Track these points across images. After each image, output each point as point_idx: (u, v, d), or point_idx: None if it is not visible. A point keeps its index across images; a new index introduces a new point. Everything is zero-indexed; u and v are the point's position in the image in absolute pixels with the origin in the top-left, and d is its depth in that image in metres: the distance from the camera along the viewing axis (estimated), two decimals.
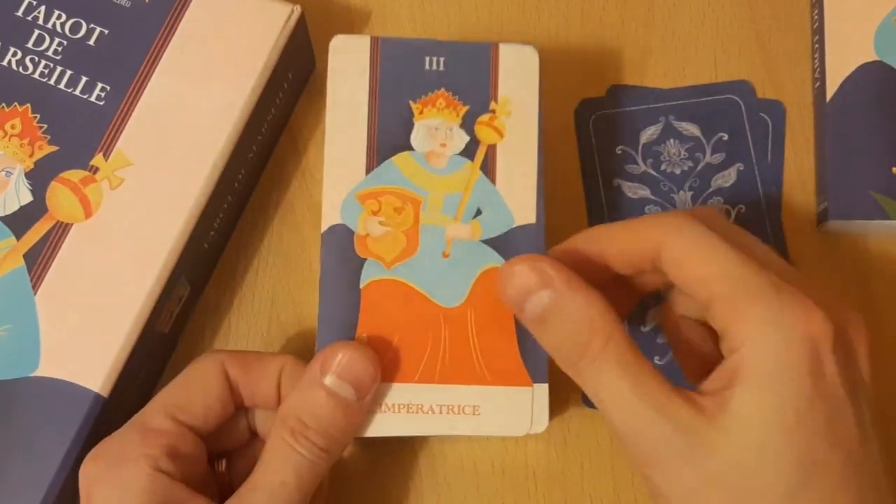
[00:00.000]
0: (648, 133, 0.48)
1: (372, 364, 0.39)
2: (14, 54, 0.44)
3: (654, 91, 0.49)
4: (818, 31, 0.49)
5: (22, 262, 0.41)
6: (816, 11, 0.49)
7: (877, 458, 0.34)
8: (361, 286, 0.41)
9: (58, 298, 0.41)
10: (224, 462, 0.41)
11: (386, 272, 0.41)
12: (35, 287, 0.41)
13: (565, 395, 0.46)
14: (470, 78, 0.42)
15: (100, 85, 0.43)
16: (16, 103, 0.43)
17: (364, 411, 0.39)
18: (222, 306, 0.47)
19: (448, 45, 0.43)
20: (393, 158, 0.42)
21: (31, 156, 0.43)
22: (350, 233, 0.41)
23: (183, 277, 0.43)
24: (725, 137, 0.48)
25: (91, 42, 0.44)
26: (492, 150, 0.42)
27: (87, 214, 0.42)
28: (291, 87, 0.47)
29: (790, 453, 0.33)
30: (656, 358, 0.46)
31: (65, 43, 0.44)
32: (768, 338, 0.33)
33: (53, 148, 0.43)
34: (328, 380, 0.38)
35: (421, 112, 0.42)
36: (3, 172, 0.42)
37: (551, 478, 0.45)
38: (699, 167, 0.48)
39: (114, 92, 0.43)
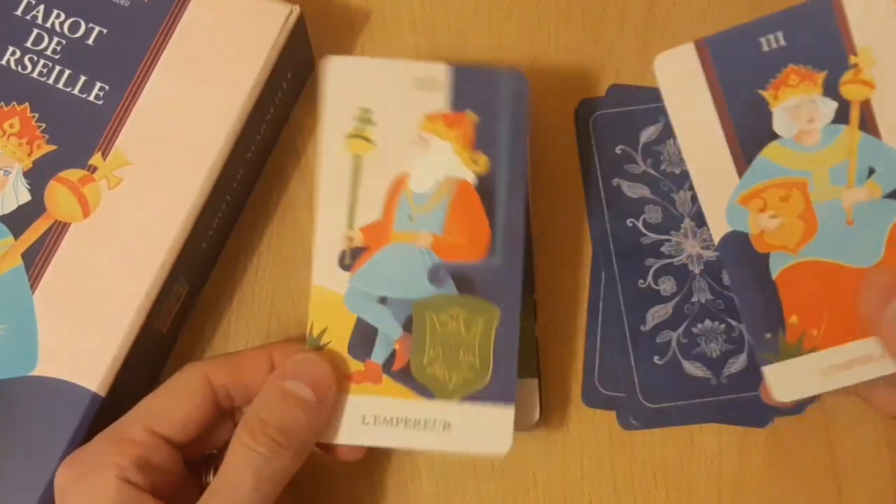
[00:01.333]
0: (648, 133, 0.48)
1: (327, 365, 0.39)
2: (13, 53, 0.44)
3: (653, 90, 0.49)
4: None
5: (20, 262, 0.41)
6: None
7: None
8: (773, 277, 0.40)
9: (56, 298, 0.41)
10: (212, 474, 0.41)
11: (794, 258, 0.40)
12: (33, 286, 0.41)
13: (565, 394, 0.46)
14: (817, 40, 0.40)
15: (98, 84, 0.43)
16: (14, 102, 0.43)
17: (326, 413, 0.39)
18: (221, 306, 0.47)
19: (782, 15, 0.41)
20: (762, 153, 0.40)
21: (29, 155, 0.43)
22: (745, 235, 0.40)
23: (181, 277, 0.43)
24: None
25: (90, 41, 0.44)
26: (865, 105, 0.40)
27: (86, 214, 0.42)
28: (290, 86, 0.47)
29: None
30: (656, 357, 0.45)
31: (63, 42, 0.44)
32: None
33: (52, 147, 0.43)
34: (285, 383, 0.39)
35: (775, 97, 0.40)
36: (2, 171, 0.42)
37: (551, 478, 0.45)
38: None
39: (112, 91, 0.43)
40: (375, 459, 0.45)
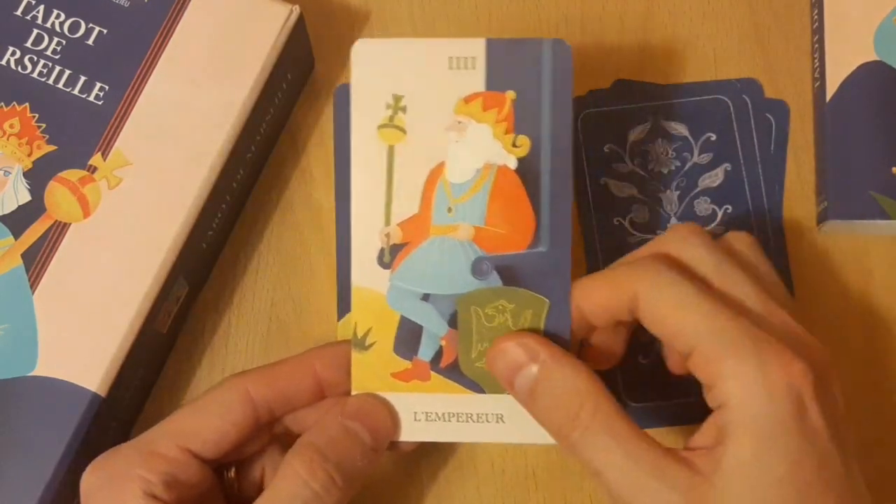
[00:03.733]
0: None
1: (388, 414, 0.39)
2: (13, 53, 0.44)
3: (647, 87, 0.49)
4: (818, 31, 0.49)
5: (20, 262, 0.41)
6: (816, 11, 0.49)
7: (862, 490, 0.35)
8: None
9: (56, 298, 0.41)
10: (234, 470, 0.40)
11: None
12: (33, 286, 0.41)
13: None
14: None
15: (98, 84, 0.43)
16: (14, 102, 0.43)
17: (377, 462, 0.39)
18: (221, 306, 0.47)
19: None
20: None
21: (29, 155, 0.43)
22: None
23: (181, 277, 0.43)
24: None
25: (90, 41, 0.44)
26: None
27: (86, 214, 0.42)
28: (290, 87, 0.47)
29: None
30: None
31: (63, 42, 0.44)
32: (751, 393, 0.34)
33: (52, 147, 0.43)
34: (348, 422, 0.38)
35: None
36: (2, 172, 0.42)
37: (551, 478, 0.45)
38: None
39: (112, 91, 0.43)
40: None
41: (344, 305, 0.44)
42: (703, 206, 0.47)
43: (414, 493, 0.45)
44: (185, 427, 0.38)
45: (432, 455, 0.45)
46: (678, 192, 0.47)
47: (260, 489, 0.40)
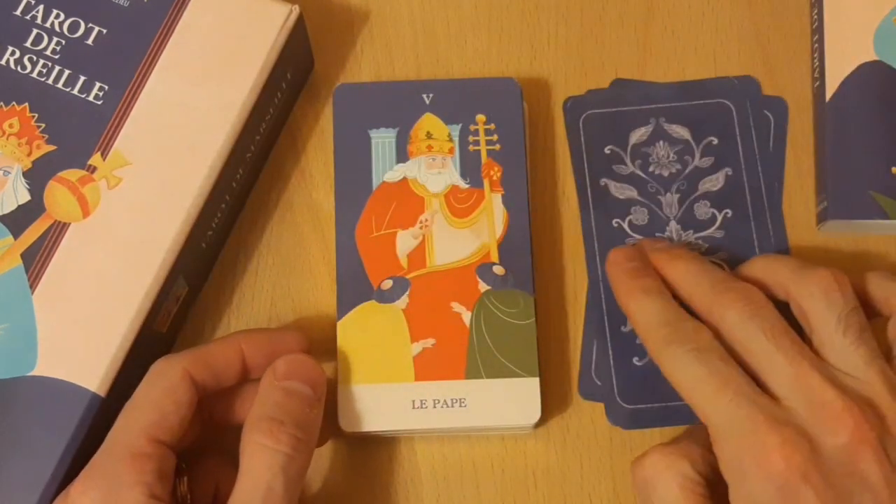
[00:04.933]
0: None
1: (318, 365, 0.41)
2: (12, 53, 0.44)
3: (649, 86, 0.49)
4: (818, 30, 0.49)
5: (19, 262, 0.41)
6: (816, 11, 0.49)
7: None
8: None
9: (55, 298, 0.41)
10: (186, 481, 0.41)
11: None
12: (32, 286, 0.41)
13: (566, 394, 0.46)
14: None
15: (98, 84, 0.43)
16: (14, 102, 0.43)
17: (322, 408, 0.40)
18: (221, 306, 0.47)
19: None
20: None
21: (28, 155, 0.43)
22: None
23: (181, 277, 0.43)
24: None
25: (89, 41, 0.44)
26: None
27: (85, 214, 0.42)
28: (290, 86, 0.47)
29: None
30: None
31: (63, 42, 0.44)
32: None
33: (51, 147, 0.43)
34: (285, 383, 0.40)
35: None
36: (1, 171, 0.42)
37: (551, 478, 0.45)
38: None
39: (112, 91, 0.43)
40: (375, 458, 0.45)
41: (344, 305, 0.44)
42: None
43: (414, 492, 0.45)
44: (150, 420, 0.38)
45: (433, 454, 0.45)
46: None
47: (213, 500, 0.41)
